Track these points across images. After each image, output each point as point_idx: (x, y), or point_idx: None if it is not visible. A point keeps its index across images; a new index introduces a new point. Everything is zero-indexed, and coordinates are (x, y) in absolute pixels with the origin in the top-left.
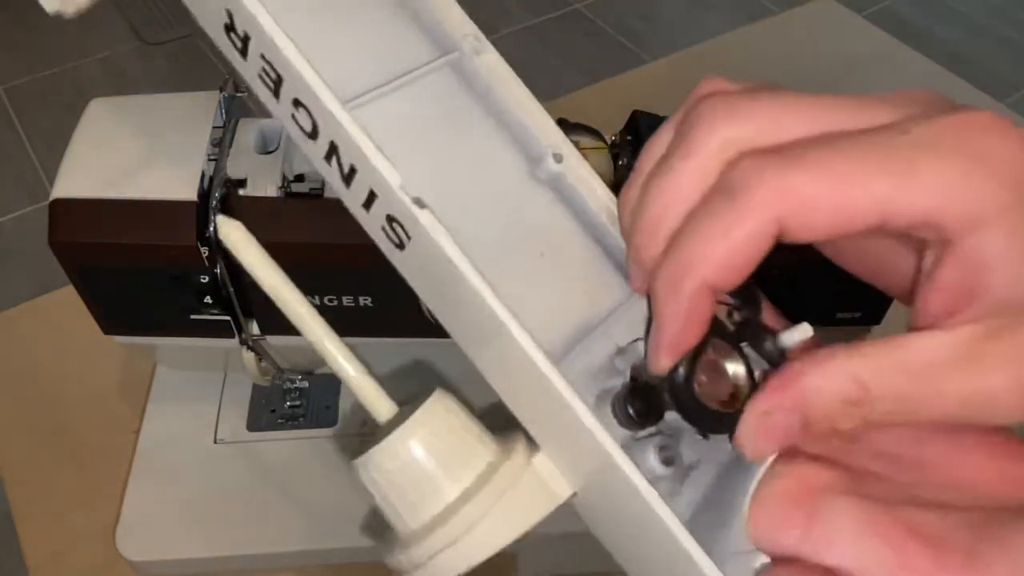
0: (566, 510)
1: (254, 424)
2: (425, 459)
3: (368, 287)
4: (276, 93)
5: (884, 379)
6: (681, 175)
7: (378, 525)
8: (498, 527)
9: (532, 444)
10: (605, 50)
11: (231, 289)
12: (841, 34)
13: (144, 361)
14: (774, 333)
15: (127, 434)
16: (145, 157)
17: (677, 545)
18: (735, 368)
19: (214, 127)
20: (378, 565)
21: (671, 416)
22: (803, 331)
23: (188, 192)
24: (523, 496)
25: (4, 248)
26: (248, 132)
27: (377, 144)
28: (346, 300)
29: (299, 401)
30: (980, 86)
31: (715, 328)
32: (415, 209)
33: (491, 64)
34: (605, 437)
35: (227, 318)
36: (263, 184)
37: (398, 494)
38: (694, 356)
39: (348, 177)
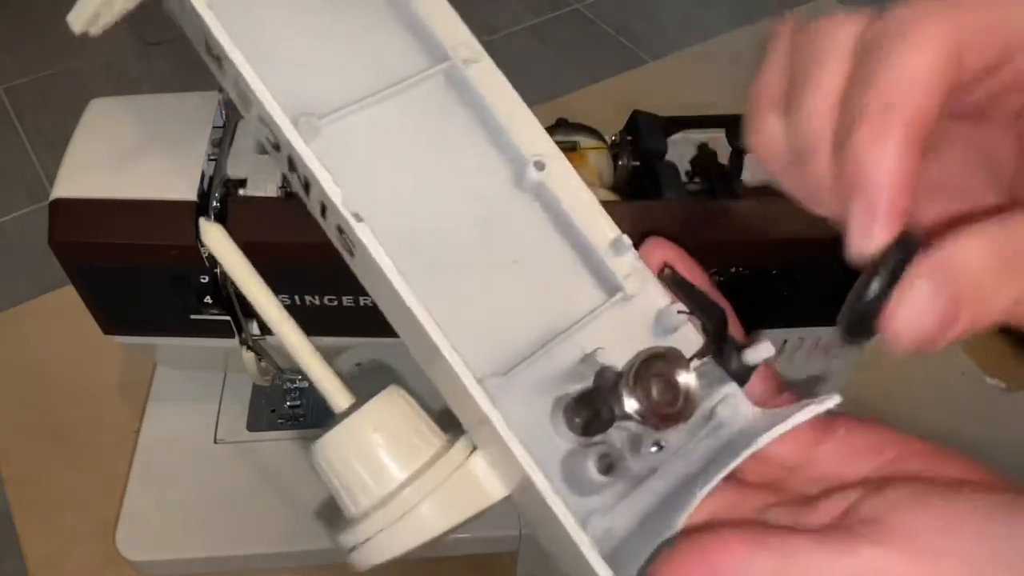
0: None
1: (254, 424)
2: (372, 446)
3: None
4: (247, 110)
5: None
6: (830, 68)
7: (331, 513)
8: (430, 517)
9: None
10: (605, 50)
11: (231, 289)
12: None
13: (144, 361)
14: (739, 349)
15: (127, 434)
16: (145, 157)
17: (583, 560)
18: (686, 379)
19: (214, 127)
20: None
21: (630, 426)
22: (766, 349)
23: (188, 192)
24: (456, 491)
25: (4, 248)
26: (248, 132)
27: (326, 163)
28: (346, 300)
29: (299, 401)
30: None
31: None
32: (352, 221)
33: (483, 73)
34: (526, 457)
35: (227, 318)
36: (263, 184)
37: (346, 478)
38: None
39: (306, 188)
